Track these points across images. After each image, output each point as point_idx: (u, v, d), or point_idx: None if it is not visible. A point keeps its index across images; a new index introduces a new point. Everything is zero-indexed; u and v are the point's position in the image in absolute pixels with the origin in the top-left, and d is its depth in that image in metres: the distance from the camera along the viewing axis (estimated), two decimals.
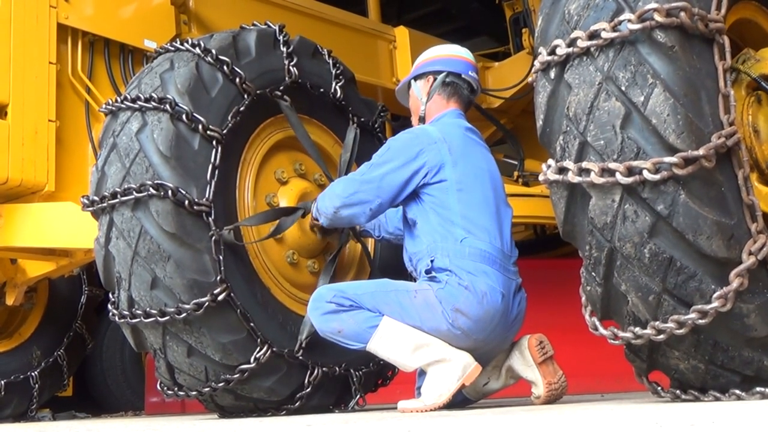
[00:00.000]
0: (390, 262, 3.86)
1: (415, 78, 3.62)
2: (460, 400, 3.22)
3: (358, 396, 3.59)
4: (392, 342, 3.06)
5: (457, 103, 3.52)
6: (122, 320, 3.27)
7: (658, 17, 2.22)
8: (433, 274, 3.12)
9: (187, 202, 3.12)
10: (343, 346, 3.13)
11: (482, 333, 3.10)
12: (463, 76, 3.53)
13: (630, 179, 2.22)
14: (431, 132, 3.32)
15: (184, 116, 3.21)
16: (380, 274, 3.66)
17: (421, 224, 3.24)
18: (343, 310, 3.08)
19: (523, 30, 5.72)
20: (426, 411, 2.94)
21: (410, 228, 3.32)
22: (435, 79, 3.54)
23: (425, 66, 3.61)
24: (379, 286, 3.16)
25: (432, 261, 3.13)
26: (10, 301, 4.89)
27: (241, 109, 3.39)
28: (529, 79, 2.61)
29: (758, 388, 2.31)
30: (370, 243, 3.96)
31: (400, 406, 3.03)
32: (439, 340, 3.07)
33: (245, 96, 3.41)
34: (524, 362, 3.23)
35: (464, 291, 3.06)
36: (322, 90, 3.83)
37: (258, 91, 3.46)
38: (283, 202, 3.61)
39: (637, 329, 2.35)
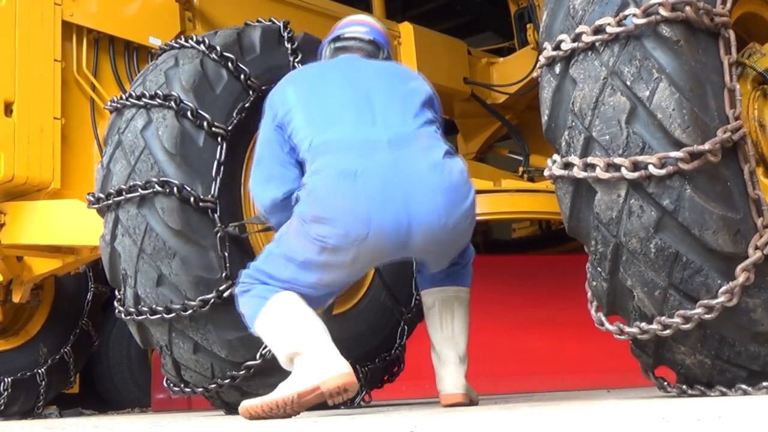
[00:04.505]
0: (393, 266, 3.85)
1: None
2: None
3: (363, 392, 3.59)
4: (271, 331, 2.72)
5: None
6: (128, 317, 3.28)
7: (663, 12, 2.22)
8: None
9: (192, 198, 3.12)
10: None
11: (354, 226, 2.61)
12: (345, 35, 3.25)
13: (635, 174, 2.21)
14: (273, 91, 3.07)
15: (189, 113, 3.21)
16: (383, 278, 3.67)
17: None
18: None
19: (528, 25, 5.71)
20: (263, 407, 2.54)
21: None
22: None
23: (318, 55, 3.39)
24: (272, 247, 2.81)
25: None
26: (16, 298, 4.91)
27: (246, 105, 3.39)
28: (534, 74, 2.61)
29: (765, 383, 2.31)
30: None
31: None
32: (315, 347, 2.58)
33: (250, 92, 3.42)
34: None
35: (307, 197, 2.68)
36: None
37: (263, 88, 3.46)
38: None
39: (643, 324, 2.35)
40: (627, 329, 2.41)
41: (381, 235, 2.64)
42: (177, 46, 3.49)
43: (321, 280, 2.73)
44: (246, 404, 2.57)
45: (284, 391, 2.53)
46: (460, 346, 3.06)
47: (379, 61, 3.14)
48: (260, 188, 3.00)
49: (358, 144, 2.73)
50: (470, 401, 3.02)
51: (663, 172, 2.18)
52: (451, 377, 3.01)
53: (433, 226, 2.70)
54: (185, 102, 3.23)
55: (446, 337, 3.06)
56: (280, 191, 2.92)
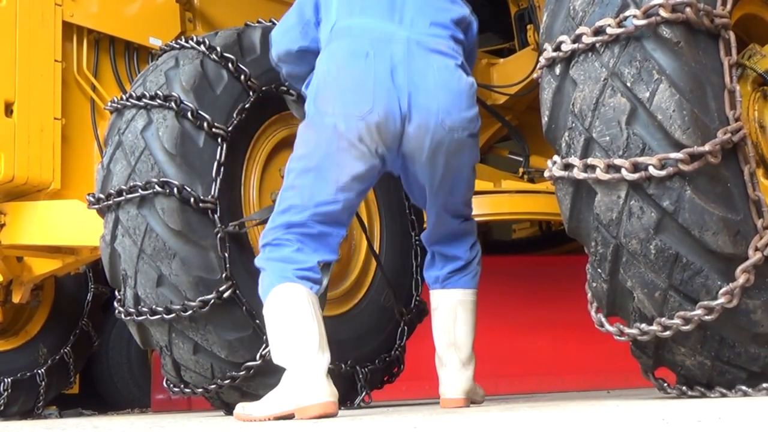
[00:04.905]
0: (397, 261, 3.86)
1: None
2: None
3: (363, 393, 3.59)
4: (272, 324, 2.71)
5: None
6: (128, 318, 3.28)
7: (663, 13, 2.22)
8: None
9: (192, 199, 3.12)
10: None
11: (360, 100, 2.69)
12: None
13: (636, 175, 2.21)
14: None
15: (189, 114, 3.21)
16: (386, 274, 3.67)
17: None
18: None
19: (528, 26, 5.70)
20: (251, 421, 2.57)
21: None
22: None
23: None
24: (282, 188, 2.87)
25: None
26: (16, 298, 4.91)
27: (246, 106, 3.39)
28: (534, 75, 2.61)
29: (764, 384, 2.31)
30: (376, 240, 3.95)
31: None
32: (309, 357, 2.57)
33: (250, 93, 3.41)
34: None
35: (315, 80, 2.82)
36: None
37: (263, 88, 3.46)
38: None
39: (643, 326, 2.35)
40: (627, 330, 2.41)
41: (383, 114, 2.70)
42: (177, 46, 3.48)
43: (338, 181, 2.73)
44: (234, 414, 2.62)
45: (262, 410, 2.55)
46: (462, 351, 3.04)
47: None
48: (279, 34, 3.14)
49: (377, 33, 2.81)
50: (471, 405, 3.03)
51: (663, 173, 2.18)
52: (451, 382, 3.02)
53: (430, 120, 2.76)
54: (185, 102, 3.23)
55: (448, 342, 3.06)
56: (296, 44, 3.05)
